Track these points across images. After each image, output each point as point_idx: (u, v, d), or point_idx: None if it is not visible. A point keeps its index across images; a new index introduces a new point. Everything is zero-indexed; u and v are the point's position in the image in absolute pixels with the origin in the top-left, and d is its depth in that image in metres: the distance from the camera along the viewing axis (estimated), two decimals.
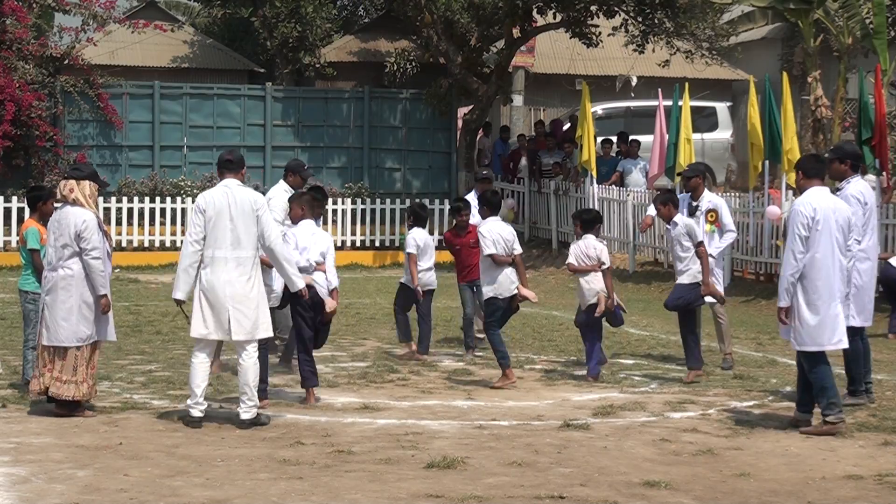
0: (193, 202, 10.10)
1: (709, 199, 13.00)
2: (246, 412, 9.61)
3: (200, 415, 9.60)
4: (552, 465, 8.46)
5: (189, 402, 9.64)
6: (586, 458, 8.66)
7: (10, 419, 9.75)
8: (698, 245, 12.03)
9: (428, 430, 9.59)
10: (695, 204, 12.95)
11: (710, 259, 12.71)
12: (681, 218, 12.26)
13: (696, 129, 23.90)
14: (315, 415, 10.13)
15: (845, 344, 9.77)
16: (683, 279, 12.15)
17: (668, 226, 12.39)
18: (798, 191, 10.08)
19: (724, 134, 26.52)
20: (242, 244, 9.62)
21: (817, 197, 9.69)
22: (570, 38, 26.60)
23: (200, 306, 9.63)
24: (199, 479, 7.93)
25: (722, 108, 27.30)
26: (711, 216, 12.84)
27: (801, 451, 9.04)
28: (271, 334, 10.08)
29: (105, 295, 9.89)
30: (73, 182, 9.93)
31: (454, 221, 13.56)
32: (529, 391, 11.52)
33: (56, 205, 10.12)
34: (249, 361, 9.64)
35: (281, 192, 12.53)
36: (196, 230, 9.66)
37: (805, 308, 9.60)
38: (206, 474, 8.07)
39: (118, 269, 22.27)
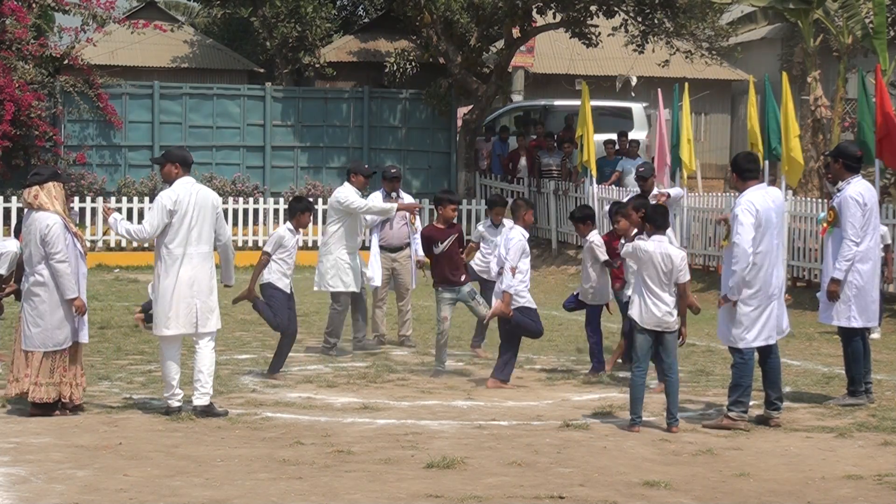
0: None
1: (653, 192, 13.52)
2: (198, 398, 9.99)
3: (178, 404, 10.01)
4: (552, 465, 8.46)
5: (165, 393, 10.07)
6: (586, 458, 8.66)
7: (9, 419, 9.75)
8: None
9: (428, 430, 9.59)
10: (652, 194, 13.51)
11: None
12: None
13: (611, 130, 24.68)
14: (315, 415, 10.13)
15: (773, 340, 9.93)
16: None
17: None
18: (736, 192, 10.23)
19: (639, 134, 26.40)
20: (203, 240, 10.12)
21: (757, 195, 9.92)
22: (570, 38, 26.59)
23: (168, 303, 9.96)
24: (199, 479, 7.94)
25: (638, 108, 27.46)
26: (662, 197, 13.20)
27: (801, 451, 9.04)
28: (220, 326, 10.40)
29: (76, 297, 9.80)
30: (35, 188, 9.83)
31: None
32: (529, 391, 11.52)
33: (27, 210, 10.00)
34: (206, 350, 10.06)
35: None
36: (154, 223, 9.99)
37: (743, 305, 9.77)
38: (206, 474, 8.07)
39: (117, 270, 22.26)
